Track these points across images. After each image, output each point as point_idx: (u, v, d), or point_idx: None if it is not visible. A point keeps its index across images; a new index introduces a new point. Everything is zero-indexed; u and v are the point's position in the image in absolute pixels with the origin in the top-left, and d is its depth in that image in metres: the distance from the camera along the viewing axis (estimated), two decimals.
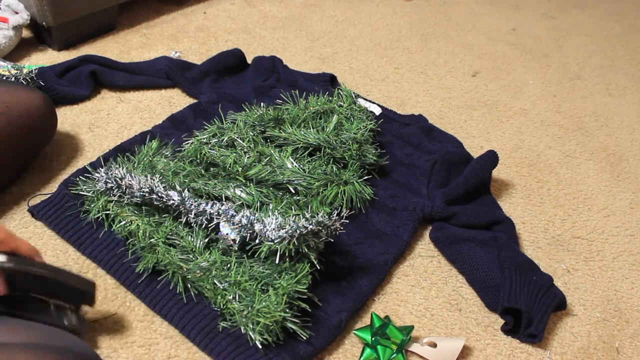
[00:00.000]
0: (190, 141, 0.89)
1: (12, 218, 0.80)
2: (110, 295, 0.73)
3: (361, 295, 0.76)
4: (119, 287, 0.73)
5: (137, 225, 0.75)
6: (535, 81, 1.36)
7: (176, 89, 1.12)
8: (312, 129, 0.92)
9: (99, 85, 1.08)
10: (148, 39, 1.27)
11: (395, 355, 0.70)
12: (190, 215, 0.74)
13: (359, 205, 0.86)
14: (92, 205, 0.78)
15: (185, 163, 0.85)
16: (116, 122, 1.01)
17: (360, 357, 0.70)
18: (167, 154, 0.88)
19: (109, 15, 1.25)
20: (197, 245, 0.73)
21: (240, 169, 0.83)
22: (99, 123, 1.00)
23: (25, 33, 1.20)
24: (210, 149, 0.86)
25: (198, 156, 0.86)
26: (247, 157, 0.85)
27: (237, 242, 0.72)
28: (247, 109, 0.97)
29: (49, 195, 0.81)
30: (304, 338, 0.68)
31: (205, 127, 0.92)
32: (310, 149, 0.90)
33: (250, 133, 0.89)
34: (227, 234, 0.72)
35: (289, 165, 0.85)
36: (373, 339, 0.71)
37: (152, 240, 0.73)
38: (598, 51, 1.53)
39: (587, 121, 1.24)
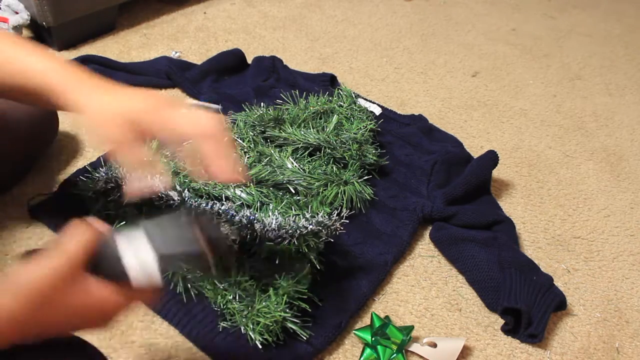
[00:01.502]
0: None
1: (12, 218, 0.80)
2: None
3: (361, 295, 0.76)
4: None
5: None
6: (535, 81, 1.36)
7: (176, 89, 1.12)
8: (312, 129, 0.92)
9: None
10: (148, 39, 1.27)
11: (395, 355, 0.70)
12: None
13: (359, 205, 0.86)
14: (92, 205, 0.78)
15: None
16: None
17: (360, 357, 0.70)
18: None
19: (109, 15, 1.25)
20: None
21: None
22: None
23: (25, 33, 1.20)
24: None
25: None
26: (247, 157, 0.85)
27: (237, 242, 0.72)
28: (247, 109, 0.97)
29: (49, 195, 0.81)
30: (304, 338, 0.68)
31: None
32: (310, 149, 0.90)
33: (250, 133, 0.89)
34: (227, 234, 0.72)
35: (289, 165, 0.85)
36: (373, 339, 0.71)
37: None
38: (598, 51, 1.53)
39: (587, 121, 1.24)
